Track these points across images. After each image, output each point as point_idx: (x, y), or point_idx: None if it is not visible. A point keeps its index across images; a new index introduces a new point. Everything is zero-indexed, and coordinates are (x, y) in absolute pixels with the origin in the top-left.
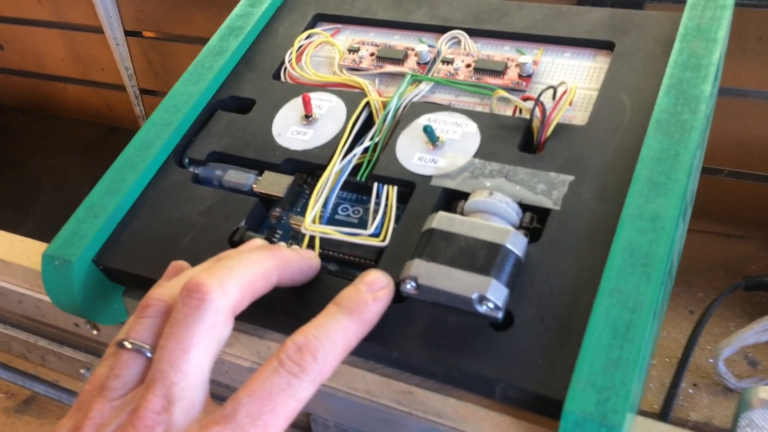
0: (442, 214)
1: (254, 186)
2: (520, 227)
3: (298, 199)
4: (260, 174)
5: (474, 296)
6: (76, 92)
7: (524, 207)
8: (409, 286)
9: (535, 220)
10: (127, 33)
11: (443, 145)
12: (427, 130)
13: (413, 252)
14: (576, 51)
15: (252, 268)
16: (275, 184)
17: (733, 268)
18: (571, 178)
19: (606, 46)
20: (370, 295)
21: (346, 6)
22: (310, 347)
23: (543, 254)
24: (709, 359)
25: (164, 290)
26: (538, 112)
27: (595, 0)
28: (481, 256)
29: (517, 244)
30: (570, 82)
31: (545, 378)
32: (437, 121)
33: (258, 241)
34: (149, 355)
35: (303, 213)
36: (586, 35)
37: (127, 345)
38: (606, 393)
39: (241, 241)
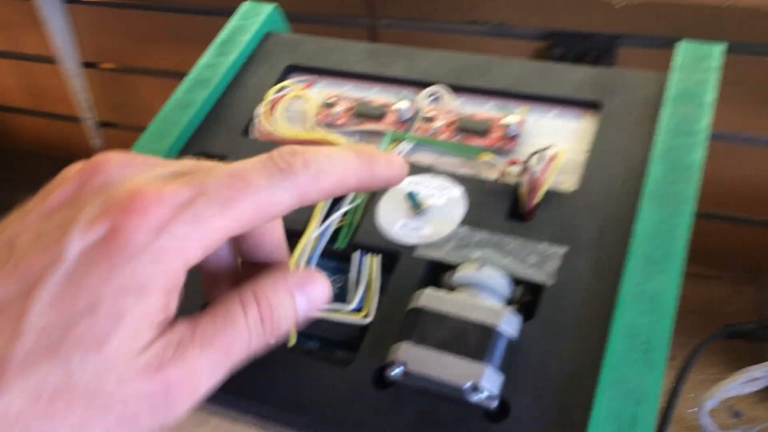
0: (429, 292)
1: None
2: (511, 302)
3: None
4: None
5: (467, 386)
6: (33, 124)
7: (516, 280)
8: (396, 372)
9: (527, 294)
10: (85, 65)
11: (427, 212)
12: (411, 197)
13: (400, 333)
14: (562, 110)
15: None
16: None
17: (711, 310)
18: (563, 249)
19: (593, 106)
20: (386, 158)
21: (321, 57)
22: (305, 154)
23: (538, 334)
24: (690, 409)
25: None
26: (526, 178)
27: (569, 42)
28: (474, 340)
29: (510, 325)
30: (557, 144)
31: None
32: (420, 184)
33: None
34: None
35: None
36: (572, 94)
37: None
38: None
39: None
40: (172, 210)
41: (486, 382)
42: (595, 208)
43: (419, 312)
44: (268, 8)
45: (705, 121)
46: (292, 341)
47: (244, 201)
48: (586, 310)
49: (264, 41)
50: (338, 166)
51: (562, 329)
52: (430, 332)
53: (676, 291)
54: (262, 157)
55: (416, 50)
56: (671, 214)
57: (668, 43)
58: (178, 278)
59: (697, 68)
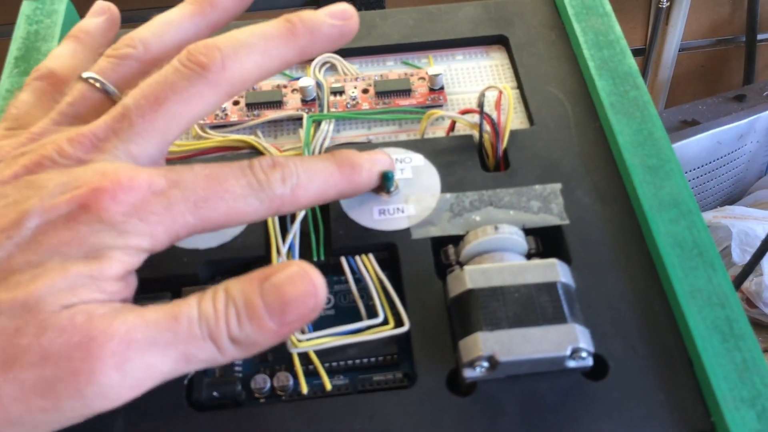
0: (470, 269)
1: None
2: (530, 255)
3: None
4: (176, 295)
5: (568, 352)
6: None
7: (525, 230)
8: (479, 370)
9: (540, 243)
10: None
11: (399, 189)
12: (387, 178)
13: (461, 326)
14: (466, 51)
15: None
16: None
17: None
18: (558, 185)
19: (496, 40)
20: (369, 163)
21: None
22: (284, 168)
23: (586, 278)
24: None
25: (150, 37)
26: (486, 125)
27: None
28: (546, 303)
29: (567, 274)
30: (482, 84)
31: (681, 414)
32: None
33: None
34: (113, 92)
35: None
36: (472, 33)
37: (92, 81)
38: (759, 402)
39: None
40: (144, 196)
41: (583, 342)
42: (562, 138)
43: (472, 295)
44: (61, 5)
45: (617, 28)
46: (328, 386)
47: (217, 204)
48: (614, 236)
49: None
50: (317, 180)
51: (606, 264)
52: (499, 312)
53: (689, 190)
54: (241, 164)
55: None
56: (642, 121)
57: None
58: (137, 260)
59: None
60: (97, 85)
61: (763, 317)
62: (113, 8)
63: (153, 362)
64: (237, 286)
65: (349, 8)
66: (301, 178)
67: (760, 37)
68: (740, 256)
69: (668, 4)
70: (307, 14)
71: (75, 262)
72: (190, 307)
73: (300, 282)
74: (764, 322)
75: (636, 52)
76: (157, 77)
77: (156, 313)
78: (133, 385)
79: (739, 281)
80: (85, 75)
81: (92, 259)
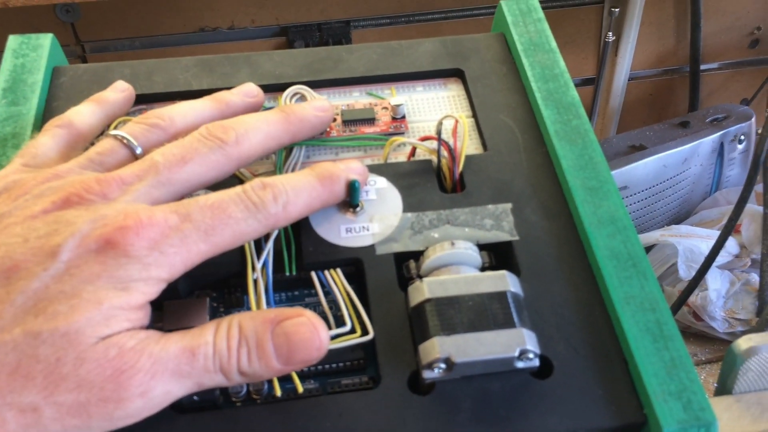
0: (429, 280)
1: (163, 327)
2: (483, 268)
3: None
4: (158, 308)
5: (517, 354)
6: None
7: (479, 246)
8: (437, 371)
9: (492, 257)
10: None
11: (365, 209)
12: (355, 188)
13: (421, 331)
14: (426, 83)
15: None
16: (187, 314)
17: None
18: (509, 205)
19: (453, 74)
20: (345, 173)
21: (143, 82)
22: (274, 188)
23: (534, 287)
24: None
25: (176, 115)
26: (444, 151)
27: (305, 34)
28: (496, 309)
29: (516, 284)
30: (440, 113)
31: (618, 408)
32: None
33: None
34: (139, 151)
35: None
36: (431, 67)
37: (121, 138)
38: (684, 395)
39: None
40: (162, 231)
41: (530, 345)
42: (512, 162)
43: (430, 304)
44: (46, 39)
45: (561, 64)
46: (300, 389)
47: (224, 230)
48: (559, 250)
49: (56, 77)
50: (303, 195)
51: (551, 274)
52: (454, 318)
53: (624, 209)
54: (236, 190)
55: (251, 55)
56: (583, 146)
57: (394, 20)
58: (156, 290)
59: (527, 21)
60: (125, 142)
61: (708, 330)
62: (131, 88)
63: (171, 389)
64: (250, 325)
65: (329, 105)
66: (289, 195)
67: (702, 67)
68: (686, 272)
69: (614, 38)
70: (298, 107)
71: (106, 293)
72: (206, 343)
73: (308, 333)
74: (710, 335)
75: (587, 82)
76: (183, 142)
77: (176, 346)
78: (153, 406)
79: (685, 296)
80: (114, 132)
81: (120, 290)
